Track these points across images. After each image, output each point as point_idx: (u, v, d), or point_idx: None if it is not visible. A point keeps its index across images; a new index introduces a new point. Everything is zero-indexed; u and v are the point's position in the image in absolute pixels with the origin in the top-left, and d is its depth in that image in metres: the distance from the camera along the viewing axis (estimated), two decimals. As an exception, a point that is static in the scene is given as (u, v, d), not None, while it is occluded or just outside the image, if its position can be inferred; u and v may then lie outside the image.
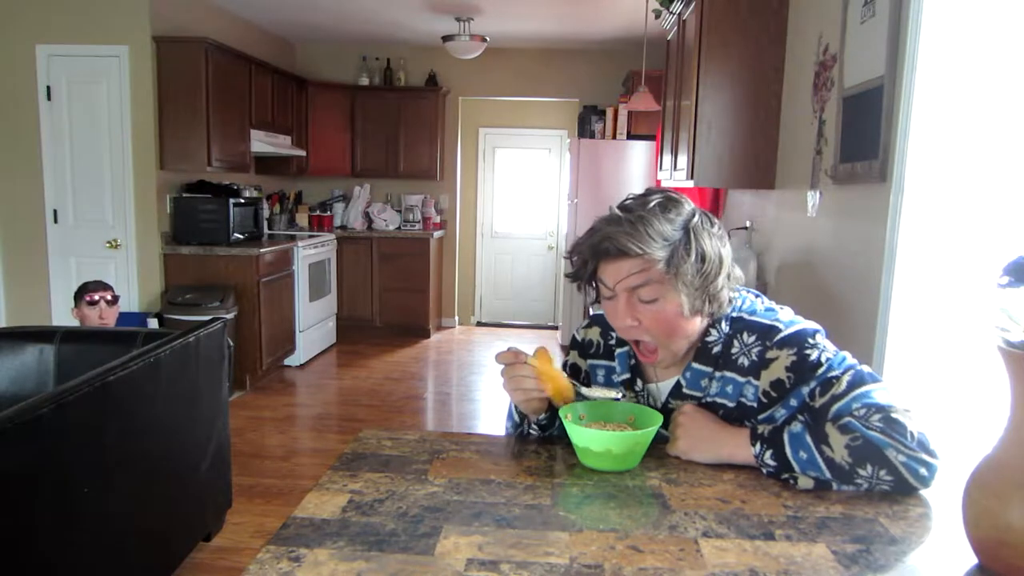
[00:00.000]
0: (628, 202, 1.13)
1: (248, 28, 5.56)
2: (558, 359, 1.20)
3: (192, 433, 2.44)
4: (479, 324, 7.28)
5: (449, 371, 5.54)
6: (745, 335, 1.16)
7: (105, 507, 1.92)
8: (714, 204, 4.02)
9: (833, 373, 1.08)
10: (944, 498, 0.97)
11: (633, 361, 1.26)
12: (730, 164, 2.94)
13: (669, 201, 1.11)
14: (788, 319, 1.16)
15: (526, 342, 6.50)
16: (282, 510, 2.99)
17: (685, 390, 1.19)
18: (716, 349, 1.17)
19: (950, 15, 1.71)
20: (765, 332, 1.14)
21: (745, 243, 3.23)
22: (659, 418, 1.11)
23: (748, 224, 3.28)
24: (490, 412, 4.55)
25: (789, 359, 1.10)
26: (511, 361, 1.14)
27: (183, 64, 4.41)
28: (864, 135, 1.98)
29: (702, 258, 1.08)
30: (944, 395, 1.73)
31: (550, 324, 7.21)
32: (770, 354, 1.12)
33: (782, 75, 2.86)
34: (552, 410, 1.19)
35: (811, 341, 1.11)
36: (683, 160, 3.32)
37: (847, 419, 1.02)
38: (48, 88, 4.36)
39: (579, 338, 1.36)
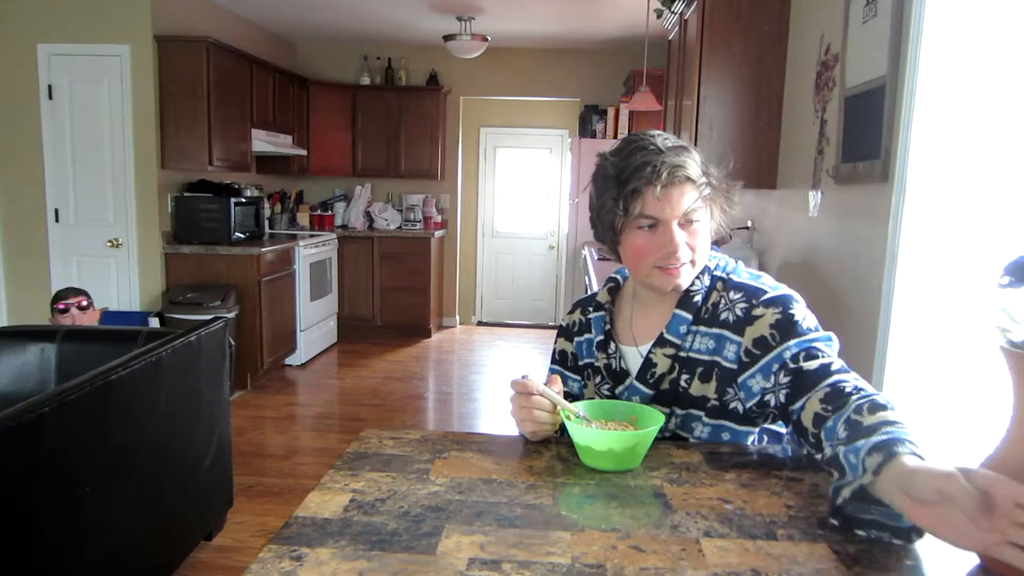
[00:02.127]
0: (661, 139, 1.19)
1: (249, 27, 5.56)
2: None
3: (193, 432, 2.45)
4: (480, 324, 7.28)
5: (450, 370, 5.54)
6: (731, 293, 1.20)
7: (106, 506, 1.92)
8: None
9: (818, 344, 1.11)
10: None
11: (608, 326, 1.31)
12: (731, 164, 2.94)
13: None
14: (772, 284, 1.21)
15: (527, 342, 6.50)
16: (283, 509, 3.00)
17: (666, 335, 1.22)
18: (697, 299, 1.21)
19: (952, 15, 1.71)
20: (751, 292, 1.19)
21: (746, 243, 3.23)
22: (660, 418, 1.11)
23: (749, 224, 3.28)
24: (491, 411, 4.56)
25: (774, 317, 1.14)
26: (524, 391, 1.13)
27: (184, 63, 4.42)
28: (866, 135, 1.98)
29: (720, 179, 1.21)
30: (945, 395, 1.72)
31: (551, 324, 7.21)
32: (756, 311, 1.16)
33: (784, 75, 2.86)
34: (561, 430, 1.19)
35: (796, 304, 1.16)
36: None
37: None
38: (49, 87, 4.37)
39: (564, 324, 1.42)
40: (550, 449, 1.16)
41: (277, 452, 3.73)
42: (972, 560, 0.83)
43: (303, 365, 5.38)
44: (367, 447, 1.14)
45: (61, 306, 3.25)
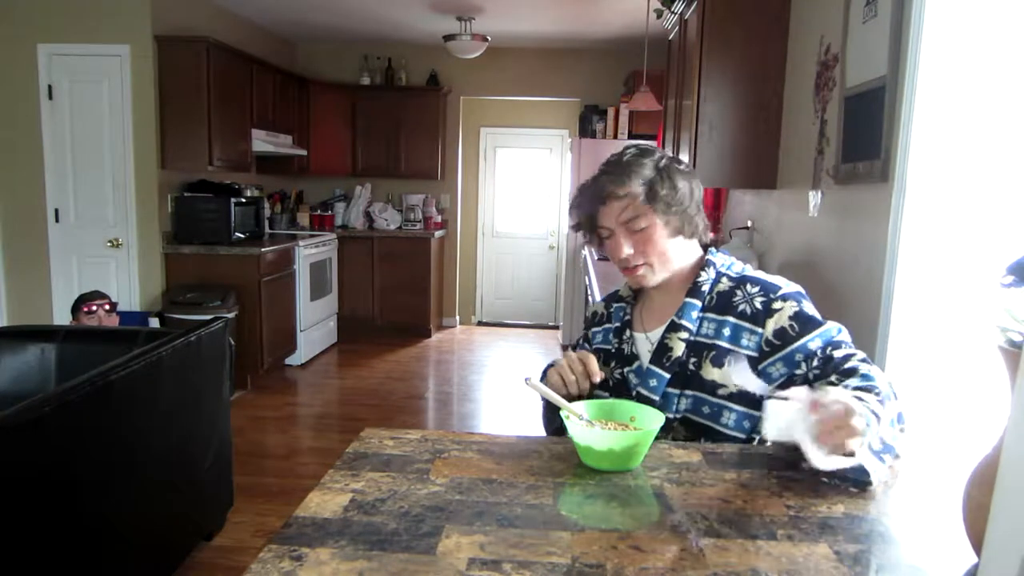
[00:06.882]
0: (611, 159, 1.35)
1: (249, 28, 5.56)
2: (557, 357, 1.30)
3: (193, 432, 2.45)
4: (480, 324, 7.28)
5: (450, 370, 5.54)
6: (748, 286, 1.30)
7: (106, 506, 1.92)
8: (715, 204, 4.02)
9: (833, 335, 1.23)
10: (945, 498, 0.97)
11: (627, 316, 1.43)
12: (731, 164, 2.94)
13: (640, 150, 1.35)
14: (781, 280, 1.33)
15: (527, 342, 6.50)
16: (283, 509, 2.99)
17: (677, 321, 1.32)
18: (705, 288, 1.33)
19: (952, 15, 1.71)
20: (768, 287, 1.30)
21: (746, 243, 3.23)
22: (660, 418, 1.12)
23: (749, 224, 3.28)
24: (491, 411, 4.55)
25: (792, 310, 1.25)
26: (582, 359, 1.27)
27: (184, 63, 4.41)
28: (866, 135, 1.98)
29: (674, 187, 1.30)
30: (945, 394, 1.72)
31: (551, 324, 7.21)
32: (775, 305, 1.26)
33: (784, 75, 2.86)
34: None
35: (805, 300, 1.29)
36: (684, 160, 3.31)
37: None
38: (50, 87, 4.36)
39: (588, 314, 1.57)
40: (550, 449, 1.16)
41: (277, 452, 3.73)
42: (972, 559, 0.83)
43: (303, 365, 5.38)
44: (367, 447, 1.14)
45: (88, 308, 3.30)
